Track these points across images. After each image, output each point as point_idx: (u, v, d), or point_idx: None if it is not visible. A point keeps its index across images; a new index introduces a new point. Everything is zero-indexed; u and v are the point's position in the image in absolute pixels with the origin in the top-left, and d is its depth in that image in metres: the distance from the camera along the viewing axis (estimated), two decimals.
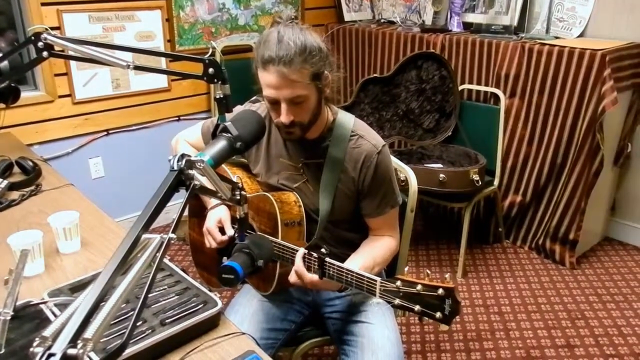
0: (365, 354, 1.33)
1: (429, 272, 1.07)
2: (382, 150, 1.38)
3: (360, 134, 1.39)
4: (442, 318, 1.01)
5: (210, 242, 1.42)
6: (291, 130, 1.31)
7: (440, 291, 1.01)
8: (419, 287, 1.04)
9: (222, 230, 1.42)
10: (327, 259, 1.20)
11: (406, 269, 1.15)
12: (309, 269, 1.24)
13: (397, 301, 1.07)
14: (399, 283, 1.07)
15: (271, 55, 1.21)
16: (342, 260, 1.25)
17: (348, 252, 1.39)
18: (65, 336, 0.58)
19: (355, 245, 1.43)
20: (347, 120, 1.40)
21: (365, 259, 1.35)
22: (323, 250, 1.21)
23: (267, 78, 1.24)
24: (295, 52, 1.20)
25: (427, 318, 1.03)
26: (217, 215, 1.43)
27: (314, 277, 1.22)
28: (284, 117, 1.27)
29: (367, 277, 1.13)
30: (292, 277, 1.27)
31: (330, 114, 1.41)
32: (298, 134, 1.33)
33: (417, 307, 1.04)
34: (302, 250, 1.25)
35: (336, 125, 1.39)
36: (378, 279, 1.11)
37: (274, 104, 1.28)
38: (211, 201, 1.47)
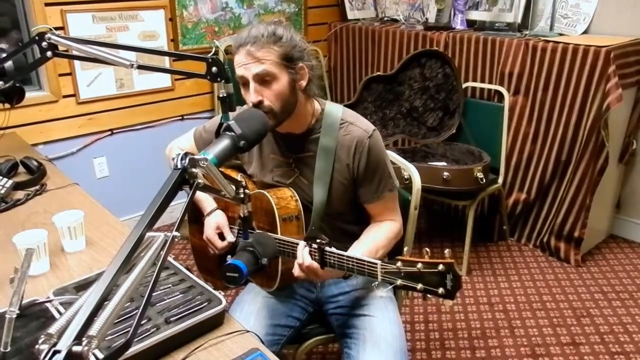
0: (367, 346, 1.33)
1: (427, 249, 1.07)
2: (373, 134, 1.38)
3: (349, 120, 1.39)
4: (445, 293, 1.03)
5: (212, 250, 1.45)
6: None
7: (441, 267, 1.03)
8: (419, 265, 1.05)
9: (221, 236, 1.43)
10: (327, 248, 1.21)
11: (405, 249, 1.16)
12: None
13: (399, 282, 1.08)
14: (399, 264, 1.08)
15: (241, 40, 1.28)
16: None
17: (349, 245, 1.39)
18: (70, 333, 0.59)
19: (356, 238, 1.43)
20: (336, 109, 1.41)
21: (367, 246, 1.35)
22: (322, 240, 1.21)
23: (237, 59, 1.29)
24: (262, 35, 1.26)
25: (430, 295, 1.04)
26: (215, 222, 1.44)
27: (314, 264, 1.23)
28: (252, 96, 1.27)
29: (368, 261, 1.14)
30: (297, 271, 1.27)
31: (318, 105, 1.41)
32: (272, 123, 1.30)
33: (419, 286, 1.06)
34: (302, 243, 1.25)
35: (325, 115, 1.40)
36: (379, 262, 1.12)
37: (245, 85, 1.29)
38: (207, 207, 1.48)
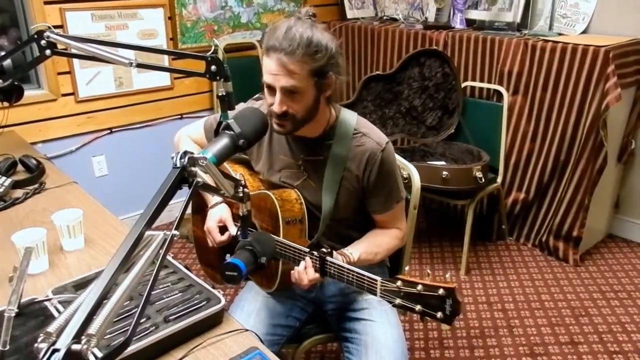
0: (369, 352, 1.33)
1: (429, 272, 1.07)
2: (385, 147, 1.38)
3: (363, 131, 1.39)
4: (443, 318, 1.01)
5: (211, 242, 1.44)
6: (283, 122, 1.30)
7: (441, 291, 1.01)
8: (419, 287, 1.03)
9: (222, 230, 1.43)
10: (328, 258, 1.20)
11: (407, 268, 1.15)
12: None
13: (397, 301, 1.07)
14: (399, 283, 1.06)
15: (275, 43, 1.23)
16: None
17: None
18: (69, 332, 0.58)
19: None
20: (350, 118, 1.40)
21: (368, 245, 1.36)
22: (324, 249, 1.20)
23: (267, 64, 1.26)
24: (299, 44, 1.21)
25: (428, 318, 1.03)
26: (218, 215, 1.43)
27: (316, 276, 1.23)
28: (277, 107, 1.27)
29: (368, 277, 1.13)
30: (298, 279, 1.26)
31: (333, 112, 1.41)
32: (289, 129, 1.31)
33: (417, 307, 1.04)
34: (309, 260, 1.24)
35: (339, 123, 1.39)
36: (379, 278, 1.11)
37: (271, 90, 1.29)
38: (211, 199, 1.48)
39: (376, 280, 1.11)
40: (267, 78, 1.27)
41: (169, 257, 1.32)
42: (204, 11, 3.14)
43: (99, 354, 0.95)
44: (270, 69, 1.25)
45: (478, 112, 2.93)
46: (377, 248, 1.38)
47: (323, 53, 1.24)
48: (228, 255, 1.16)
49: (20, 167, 1.93)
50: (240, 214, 1.14)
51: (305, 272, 1.24)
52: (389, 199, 1.41)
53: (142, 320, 1.09)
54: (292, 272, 1.28)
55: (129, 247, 0.71)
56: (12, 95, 2.00)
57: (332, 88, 1.32)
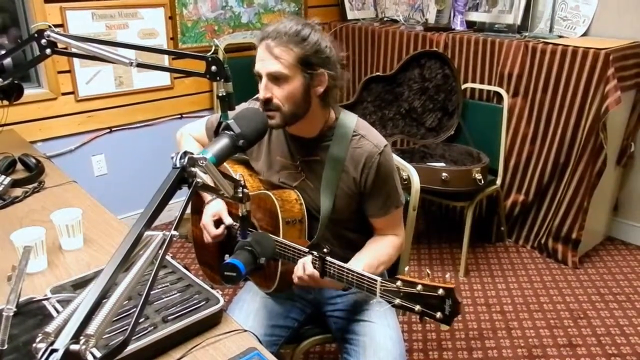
0: (367, 353, 1.33)
1: (429, 272, 1.07)
2: (383, 150, 1.37)
3: (362, 133, 1.38)
4: (443, 318, 1.01)
5: (206, 237, 1.43)
6: (270, 113, 1.29)
7: (441, 291, 1.01)
8: (419, 287, 1.04)
9: (218, 224, 1.42)
10: (328, 258, 1.20)
11: (406, 268, 1.15)
12: None
13: (397, 301, 1.07)
14: (399, 283, 1.07)
15: (264, 33, 1.28)
16: (344, 261, 1.25)
17: (350, 253, 1.39)
18: (67, 332, 0.58)
19: (357, 246, 1.43)
20: (350, 119, 1.40)
21: (369, 258, 1.35)
22: (325, 249, 1.21)
23: (258, 52, 1.29)
24: (286, 33, 1.25)
25: (427, 318, 1.04)
26: (213, 209, 1.43)
27: (315, 272, 1.23)
28: (261, 91, 1.28)
29: (368, 277, 1.13)
30: (296, 277, 1.26)
31: (333, 113, 1.40)
32: (278, 121, 1.30)
33: (417, 307, 1.04)
34: (309, 257, 1.25)
35: (338, 124, 1.38)
36: (378, 278, 1.11)
37: (260, 79, 1.30)
38: (209, 196, 1.47)
39: (376, 281, 1.11)
40: (255, 66, 1.30)
41: (168, 257, 1.32)
42: (205, 11, 3.14)
43: (98, 354, 0.95)
44: (258, 55, 1.28)
45: (478, 113, 2.94)
46: (379, 260, 1.37)
47: (311, 45, 1.26)
48: (227, 255, 1.16)
49: (19, 166, 1.93)
50: (240, 214, 1.14)
51: (303, 267, 1.24)
52: (387, 203, 1.40)
53: (141, 320, 1.09)
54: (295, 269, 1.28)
55: (128, 247, 0.71)
56: (12, 94, 2.00)
57: (323, 85, 1.31)
